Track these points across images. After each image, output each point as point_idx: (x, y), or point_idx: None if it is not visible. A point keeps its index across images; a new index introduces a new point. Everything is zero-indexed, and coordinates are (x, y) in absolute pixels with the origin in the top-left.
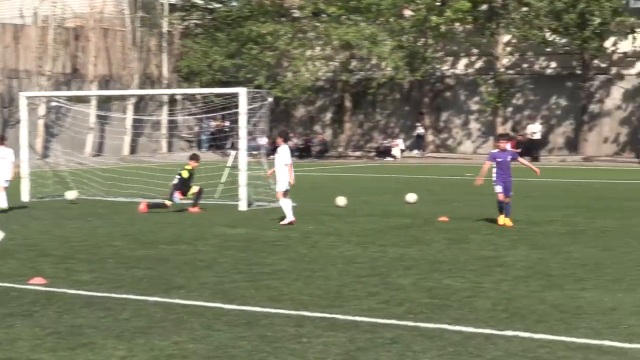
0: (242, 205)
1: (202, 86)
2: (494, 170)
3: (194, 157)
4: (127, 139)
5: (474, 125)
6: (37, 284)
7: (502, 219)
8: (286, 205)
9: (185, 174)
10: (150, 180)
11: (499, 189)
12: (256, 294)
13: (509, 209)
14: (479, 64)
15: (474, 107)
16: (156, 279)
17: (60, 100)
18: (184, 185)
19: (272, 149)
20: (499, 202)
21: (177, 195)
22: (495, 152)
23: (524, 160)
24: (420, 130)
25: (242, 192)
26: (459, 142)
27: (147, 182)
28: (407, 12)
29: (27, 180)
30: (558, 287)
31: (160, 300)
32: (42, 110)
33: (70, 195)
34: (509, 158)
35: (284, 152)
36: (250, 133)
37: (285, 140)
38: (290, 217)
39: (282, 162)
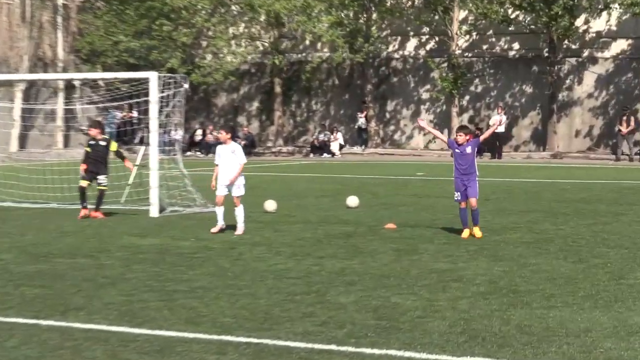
0: (153, 211)
1: (105, 70)
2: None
3: (95, 125)
4: (15, 132)
5: (425, 117)
6: None
7: (467, 232)
8: (240, 212)
9: (114, 147)
10: (44, 180)
11: (457, 195)
12: (170, 315)
13: (476, 215)
14: (430, 45)
15: (426, 95)
16: (51, 299)
17: None
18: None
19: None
20: (461, 210)
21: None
22: (454, 142)
23: (484, 135)
24: (362, 122)
25: (153, 195)
26: (409, 136)
27: (39, 183)
28: None
29: None
30: (524, 305)
31: (56, 324)
32: None
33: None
34: (468, 150)
35: (238, 149)
36: (162, 125)
37: (233, 137)
38: (221, 222)
39: (239, 161)
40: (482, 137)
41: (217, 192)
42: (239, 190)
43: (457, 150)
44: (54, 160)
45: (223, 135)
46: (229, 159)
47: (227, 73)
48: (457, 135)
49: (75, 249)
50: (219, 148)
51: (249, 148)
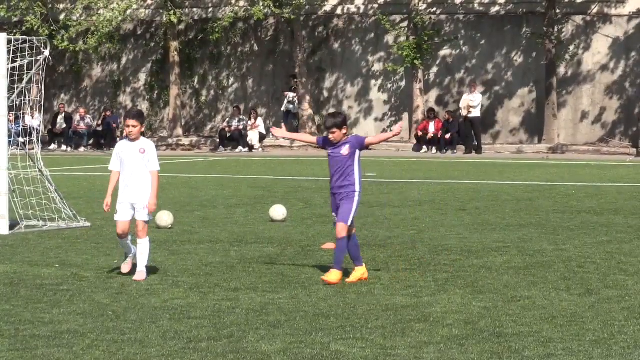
0: (3, 227)
1: None
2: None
3: None
4: None
5: (377, 96)
6: None
7: (335, 275)
8: (144, 249)
9: None
10: None
11: (334, 217)
12: None
13: (353, 247)
14: None
15: (378, 66)
16: None
17: None
18: None
19: (78, 135)
20: (338, 241)
21: None
22: (323, 139)
23: (373, 138)
24: (290, 103)
25: (2, 205)
26: (354, 121)
27: None
28: None
29: None
30: (512, 354)
31: None
32: None
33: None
34: (344, 150)
35: (150, 148)
36: (14, 108)
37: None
38: (133, 255)
39: (150, 167)
40: (368, 141)
41: (117, 215)
42: (144, 213)
43: (328, 152)
44: None
45: (137, 126)
46: (136, 163)
47: (103, 36)
48: (330, 130)
49: None
50: (120, 146)
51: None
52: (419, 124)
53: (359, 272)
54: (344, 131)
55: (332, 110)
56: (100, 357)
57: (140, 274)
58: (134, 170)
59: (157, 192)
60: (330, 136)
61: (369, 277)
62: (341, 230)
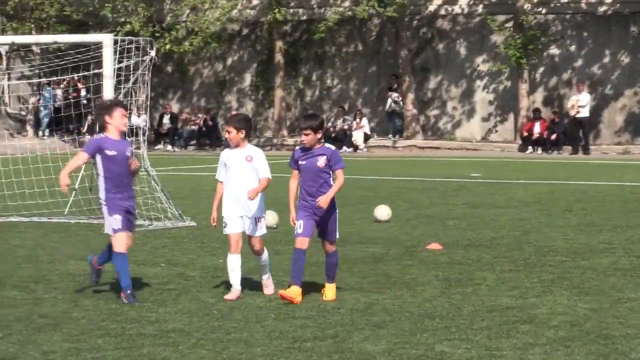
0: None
1: (39, 31)
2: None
3: None
4: None
5: (482, 96)
6: None
7: (295, 291)
8: (266, 262)
9: None
10: None
11: (299, 226)
12: None
13: (330, 266)
14: None
15: (483, 66)
16: None
17: None
18: None
19: (185, 135)
20: (295, 252)
21: None
22: (298, 150)
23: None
24: (394, 103)
25: None
26: (458, 122)
27: None
28: None
29: None
30: (619, 356)
31: None
32: None
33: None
34: (320, 162)
35: (258, 155)
36: None
37: (248, 134)
38: (238, 283)
39: (260, 174)
40: (338, 172)
41: (227, 228)
42: (259, 227)
43: (300, 162)
44: None
45: (233, 132)
46: (243, 171)
47: (208, 36)
48: (304, 130)
49: (2, 278)
50: (225, 154)
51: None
52: (525, 124)
53: (331, 290)
54: (318, 136)
55: (436, 112)
56: (206, 356)
57: (270, 286)
58: (241, 180)
59: (260, 191)
60: (304, 138)
61: (475, 277)
62: (331, 247)
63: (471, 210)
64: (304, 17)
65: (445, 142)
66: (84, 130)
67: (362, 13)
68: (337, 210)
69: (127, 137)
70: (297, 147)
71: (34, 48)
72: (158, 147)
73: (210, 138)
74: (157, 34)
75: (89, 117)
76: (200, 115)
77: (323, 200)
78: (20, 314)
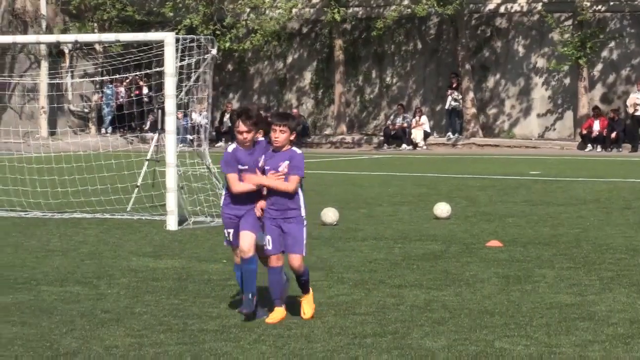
0: (171, 223)
1: (103, 29)
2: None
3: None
4: None
5: (540, 93)
6: None
7: (279, 313)
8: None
9: None
10: (22, 181)
11: (267, 242)
12: None
13: (302, 281)
14: None
15: (542, 64)
16: (34, 340)
17: None
18: None
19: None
20: (270, 271)
21: None
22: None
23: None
24: (454, 101)
25: (171, 201)
26: (518, 120)
27: (16, 184)
28: None
29: None
30: None
31: None
32: None
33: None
34: (285, 169)
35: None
36: (183, 106)
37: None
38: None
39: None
40: (271, 182)
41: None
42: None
43: (265, 166)
44: (34, 153)
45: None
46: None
47: (269, 34)
48: (276, 131)
49: (66, 274)
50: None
51: (300, 136)
52: (584, 122)
53: (308, 305)
54: (292, 137)
55: (494, 110)
56: (267, 352)
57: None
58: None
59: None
60: (278, 135)
61: (534, 274)
62: (297, 262)
63: (530, 207)
64: (364, 16)
65: (504, 140)
66: (146, 128)
67: (421, 12)
68: (305, 225)
69: (188, 135)
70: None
71: (97, 46)
72: (219, 144)
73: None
74: (217, 33)
75: (151, 115)
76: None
77: (248, 177)
78: (84, 309)
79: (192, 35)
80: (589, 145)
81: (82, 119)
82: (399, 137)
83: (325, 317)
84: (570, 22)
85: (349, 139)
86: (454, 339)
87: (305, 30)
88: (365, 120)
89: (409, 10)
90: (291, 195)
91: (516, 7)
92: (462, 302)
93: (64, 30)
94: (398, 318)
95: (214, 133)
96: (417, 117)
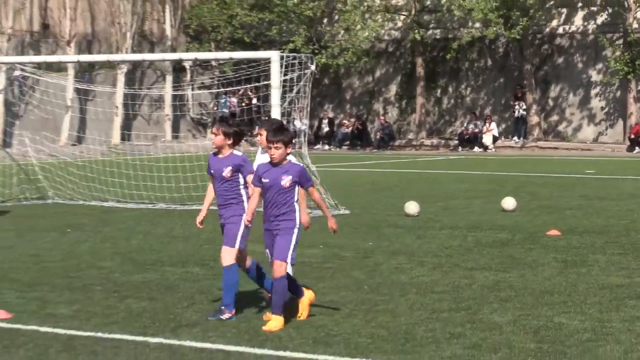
0: None
1: (218, 49)
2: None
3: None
4: (117, 121)
5: (596, 104)
6: None
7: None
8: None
9: None
10: (150, 177)
11: (269, 256)
12: (296, 334)
13: (275, 293)
14: (602, 18)
15: (596, 78)
16: (160, 313)
17: (25, 68)
18: None
19: (339, 137)
20: (274, 282)
21: None
22: (263, 164)
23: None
24: (520, 110)
25: None
26: (576, 126)
27: (145, 180)
28: None
29: None
30: None
31: (166, 342)
32: (0, 82)
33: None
34: (285, 181)
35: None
36: (286, 114)
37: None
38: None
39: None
40: (311, 190)
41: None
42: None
43: (264, 180)
44: (161, 154)
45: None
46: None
47: (359, 52)
48: (272, 148)
49: (187, 257)
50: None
51: (386, 141)
52: (632, 128)
53: (274, 320)
54: (288, 151)
55: (555, 117)
56: (357, 324)
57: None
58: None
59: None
60: (273, 152)
61: (588, 259)
62: (279, 269)
63: (586, 201)
64: (441, 37)
65: (563, 143)
66: (255, 133)
67: (491, 35)
68: (297, 232)
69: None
70: (262, 159)
71: (213, 63)
72: (317, 146)
73: (360, 139)
74: (315, 52)
75: (259, 122)
76: (352, 120)
77: (331, 224)
78: (202, 287)
79: (294, 54)
80: (637, 148)
81: (200, 125)
82: (472, 141)
83: (408, 294)
84: (621, 41)
85: (428, 142)
86: (518, 315)
87: (391, 49)
88: (442, 126)
89: (480, 33)
90: (287, 206)
91: (574, 28)
92: (526, 282)
93: (185, 49)
94: (470, 296)
95: (312, 137)
96: (487, 124)
